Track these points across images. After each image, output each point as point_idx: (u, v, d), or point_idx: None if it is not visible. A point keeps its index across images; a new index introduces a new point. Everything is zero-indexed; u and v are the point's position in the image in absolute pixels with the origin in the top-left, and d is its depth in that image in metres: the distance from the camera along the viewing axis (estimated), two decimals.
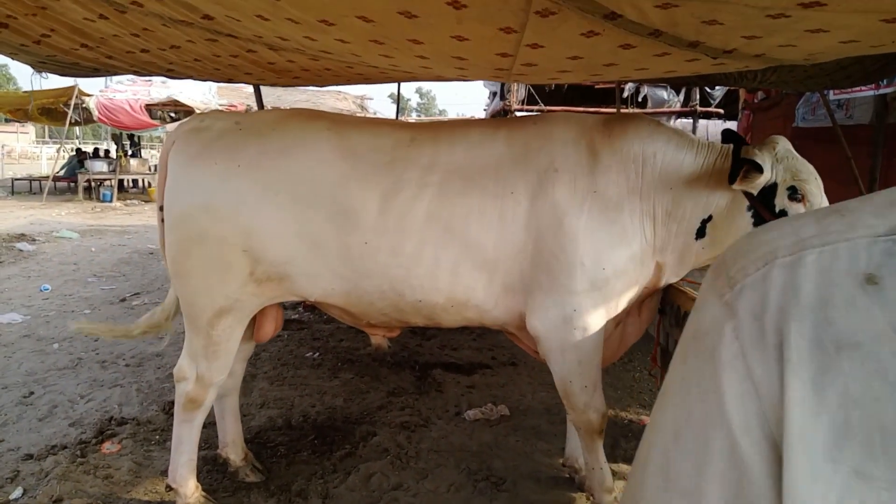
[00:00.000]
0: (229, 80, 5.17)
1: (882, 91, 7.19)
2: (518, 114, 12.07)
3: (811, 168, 2.89)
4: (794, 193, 2.83)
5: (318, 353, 5.78)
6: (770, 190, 2.87)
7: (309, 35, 2.95)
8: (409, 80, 4.22)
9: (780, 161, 2.87)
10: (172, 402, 4.46)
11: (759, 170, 2.79)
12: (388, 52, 3.13)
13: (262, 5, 2.53)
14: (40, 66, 4.73)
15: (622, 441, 4.15)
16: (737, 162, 2.88)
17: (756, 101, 11.38)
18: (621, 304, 3.09)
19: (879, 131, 7.58)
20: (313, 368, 5.40)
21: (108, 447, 3.94)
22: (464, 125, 3.43)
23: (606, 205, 2.99)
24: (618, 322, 3.29)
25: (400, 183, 3.01)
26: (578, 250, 2.94)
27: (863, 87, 7.18)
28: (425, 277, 3.01)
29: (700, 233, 3.03)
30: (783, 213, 2.85)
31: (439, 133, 3.23)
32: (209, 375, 3.20)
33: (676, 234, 3.07)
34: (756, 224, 2.92)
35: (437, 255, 2.99)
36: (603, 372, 3.28)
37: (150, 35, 3.43)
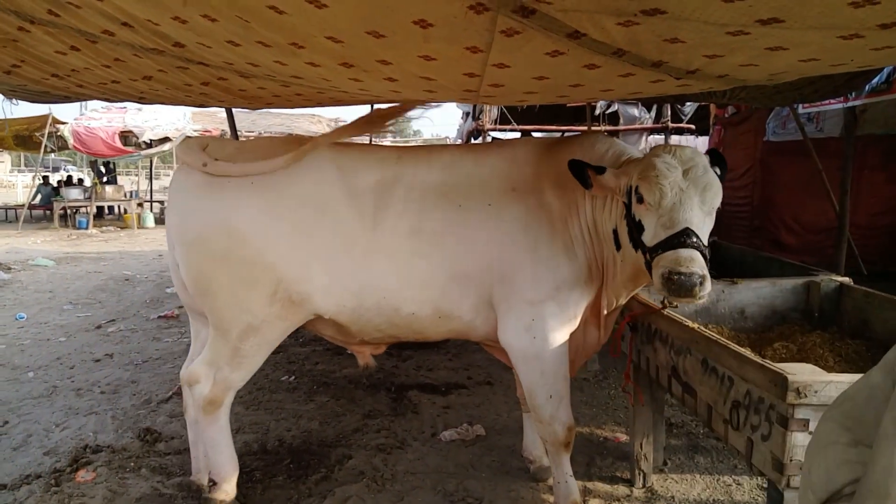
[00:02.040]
0: (202, 105, 5.18)
1: (850, 104, 7.33)
2: (491, 133, 12.15)
3: (661, 165, 2.68)
4: (637, 193, 2.77)
5: (293, 377, 5.75)
6: (629, 196, 2.87)
7: (279, 59, 2.97)
8: (380, 103, 4.25)
9: (639, 162, 2.84)
10: (147, 429, 4.49)
11: (600, 171, 2.87)
12: (357, 76, 3.16)
13: (234, 28, 2.55)
14: (10, 93, 4.72)
15: (597, 459, 4.16)
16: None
17: (727, 115, 11.56)
18: (577, 312, 3.25)
19: (849, 144, 7.73)
20: (289, 392, 5.37)
21: (83, 475, 3.87)
22: (440, 148, 3.73)
23: (554, 218, 3.21)
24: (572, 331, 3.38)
25: (390, 199, 3.21)
26: (532, 262, 3.15)
27: (832, 101, 7.32)
28: (416, 289, 3.20)
29: (617, 244, 3.09)
30: (633, 218, 2.83)
31: (419, 153, 3.47)
32: (231, 380, 3.31)
33: (605, 244, 3.17)
34: (630, 232, 2.90)
35: (423, 267, 3.19)
36: (578, 389, 3.32)
37: (121, 66, 3.43)
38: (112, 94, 4.45)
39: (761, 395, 2.26)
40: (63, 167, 36.60)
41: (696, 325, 2.83)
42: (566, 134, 11.79)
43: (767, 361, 2.25)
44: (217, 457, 3.44)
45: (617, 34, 2.19)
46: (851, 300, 3.57)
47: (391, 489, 3.77)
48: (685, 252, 2.50)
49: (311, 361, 6.21)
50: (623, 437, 4.47)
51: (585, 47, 2.34)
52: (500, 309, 3.24)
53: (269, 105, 4.85)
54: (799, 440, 2.10)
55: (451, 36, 2.36)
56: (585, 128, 10.21)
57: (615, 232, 3.06)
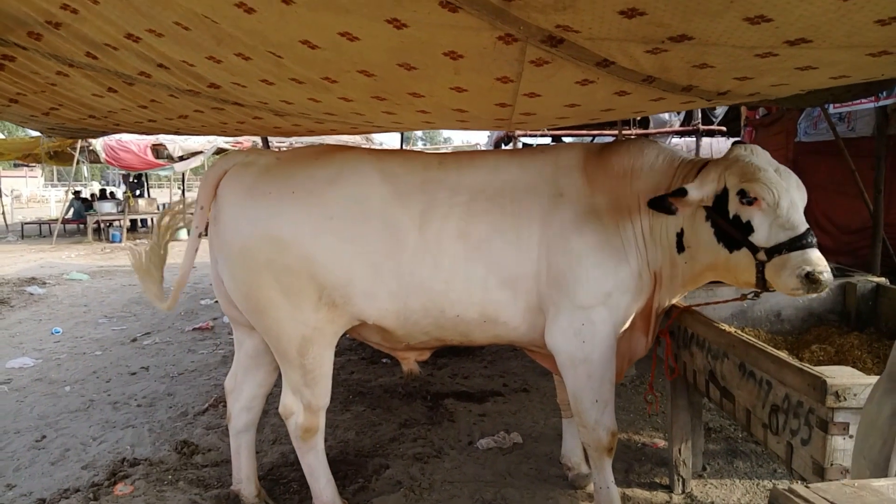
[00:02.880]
0: (236, 135, 5.30)
1: (882, 103, 7.22)
2: (522, 139, 12.13)
3: (767, 167, 2.84)
4: (744, 196, 2.83)
5: None
6: (723, 197, 2.91)
7: (313, 96, 3.02)
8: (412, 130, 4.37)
9: (731, 167, 2.90)
10: (185, 441, 4.56)
11: (683, 192, 2.89)
12: (390, 108, 3.22)
13: (267, 66, 2.60)
14: (49, 131, 4.87)
15: (636, 465, 4.15)
16: (665, 192, 2.98)
17: (758, 117, 11.42)
18: (626, 318, 3.29)
19: (881, 143, 7.61)
20: None
21: (121, 489, 3.95)
22: (482, 153, 3.79)
23: (606, 224, 3.23)
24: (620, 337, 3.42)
25: (435, 202, 3.23)
26: (583, 268, 3.16)
27: (863, 100, 7.21)
28: (462, 293, 3.22)
29: (679, 246, 3.16)
30: (737, 219, 2.87)
31: (461, 157, 3.51)
32: (316, 402, 3.38)
33: (662, 249, 3.22)
34: (717, 233, 2.96)
35: (469, 271, 3.20)
36: (615, 395, 3.34)
37: (157, 106, 3.52)
38: (148, 130, 4.57)
39: (800, 399, 2.25)
40: (94, 181, 37.24)
41: (732, 329, 2.82)
42: (597, 139, 11.79)
43: (805, 365, 2.23)
44: (315, 483, 3.51)
45: (646, 62, 2.21)
46: (888, 301, 3.53)
47: (429, 498, 3.80)
48: (816, 252, 2.68)
49: (346, 371, 6.26)
50: (661, 443, 4.45)
51: (615, 75, 2.36)
52: (549, 313, 3.25)
53: (307, 135, 4.95)
54: (839, 444, 2.08)
55: (481, 66, 2.40)
56: (616, 132, 10.15)
57: (679, 235, 3.11)
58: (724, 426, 4.71)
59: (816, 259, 2.64)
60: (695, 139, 12.52)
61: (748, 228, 2.83)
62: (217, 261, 3.36)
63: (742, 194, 2.83)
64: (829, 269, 2.65)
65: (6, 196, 32.46)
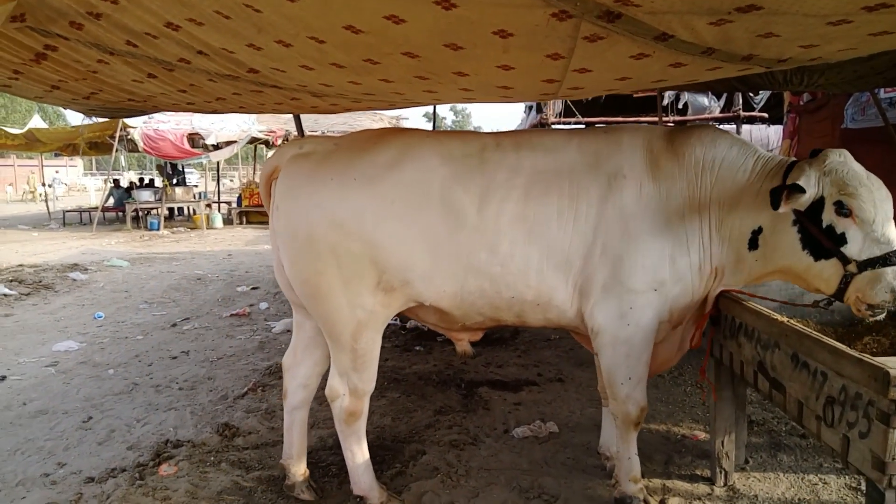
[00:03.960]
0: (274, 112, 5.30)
1: None
2: (555, 125, 12.03)
3: (864, 180, 2.79)
4: (841, 208, 2.78)
5: None
6: (817, 205, 2.85)
7: (353, 80, 2.99)
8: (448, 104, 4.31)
9: (828, 174, 2.82)
10: (226, 424, 4.61)
11: (802, 191, 2.79)
12: (432, 87, 3.18)
13: (309, 52, 2.57)
14: (89, 112, 4.92)
15: (675, 457, 4.08)
16: (782, 184, 2.88)
17: (801, 103, 11.13)
18: (676, 307, 3.26)
19: None
20: None
21: (166, 469, 4.01)
22: (540, 132, 3.73)
23: (669, 211, 3.18)
24: (674, 326, 3.40)
25: (493, 184, 3.21)
26: (640, 252, 3.13)
27: None
28: (518, 275, 3.20)
29: (752, 244, 3.09)
30: (830, 229, 2.82)
31: (519, 138, 3.44)
32: (362, 386, 3.41)
33: (731, 243, 3.16)
34: (803, 239, 2.91)
35: (526, 253, 3.19)
36: (653, 387, 3.29)
37: (196, 90, 3.53)
38: (185, 110, 4.61)
39: (859, 391, 2.17)
40: (128, 170, 37.88)
41: (785, 319, 2.74)
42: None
43: (866, 356, 2.15)
44: (356, 468, 3.54)
45: (707, 34, 2.13)
46: None
47: (466, 485, 3.78)
48: None
49: (381, 358, 6.24)
50: (701, 435, 4.37)
51: (673, 48, 2.28)
52: (593, 293, 3.21)
53: (343, 112, 4.93)
54: None
55: (531, 44, 2.33)
56: (654, 119, 9.99)
57: (755, 232, 3.04)
58: (767, 419, 4.60)
59: None
60: (734, 126, 12.31)
61: (842, 240, 2.80)
62: (279, 248, 3.38)
63: (839, 205, 2.78)
64: None
65: (61, 184, 33.19)
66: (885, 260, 2.69)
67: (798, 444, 4.22)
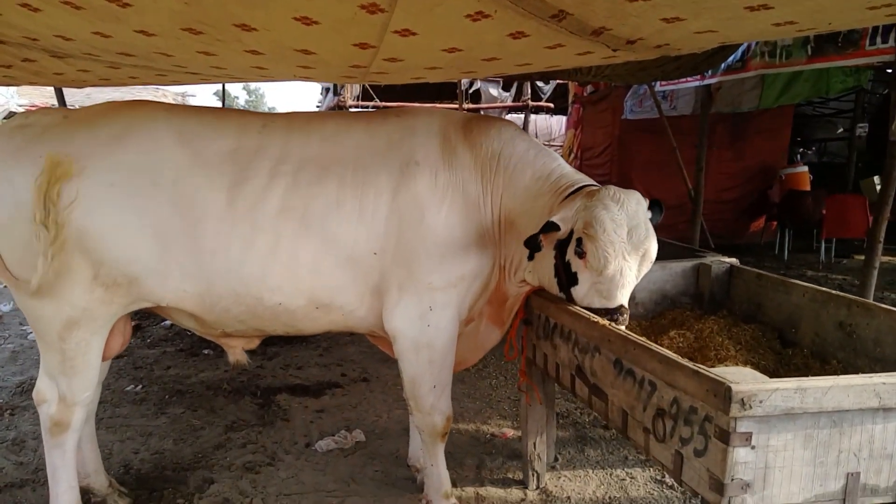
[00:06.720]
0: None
1: (707, 81, 7.55)
2: (353, 109, 11.66)
3: (611, 228, 2.59)
4: (579, 247, 2.68)
5: (140, 386, 5.05)
6: (569, 237, 2.75)
7: (98, 30, 2.32)
8: (239, 82, 3.67)
9: (586, 209, 2.67)
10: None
11: (556, 228, 2.71)
12: (209, 48, 2.57)
13: None
14: None
15: (487, 460, 3.90)
16: (543, 225, 2.74)
17: (586, 94, 11.71)
18: (473, 302, 3.15)
19: (704, 121, 8.01)
20: (136, 404, 4.70)
21: None
22: (320, 115, 3.39)
23: (466, 201, 3.00)
24: (468, 322, 3.28)
25: (249, 171, 2.83)
26: (439, 246, 2.92)
27: (688, 79, 7.49)
28: (285, 277, 2.85)
29: (531, 255, 3.00)
30: (568, 265, 2.77)
31: (293, 120, 3.09)
32: (71, 394, 2.92)
33: (517, 243, 3.03)
34: (556, 266, 2.84)
35: (294, 251, 2.83)
36: (459, 381, 3.11)
37: None
38: None
39: (693, 405, 2.01)
40: None
41: (606, 323, 2.57)
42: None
43: (701, 367, 1.99)
44: (56, 486, 2.96)
45: None
46: (742, 282, 3.49)
47: None
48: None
49: (161, 366, 5.51)
50: (510, 433, 4.24)
51: (519, 6, 1.94)
52: (390, 293, 2.96)
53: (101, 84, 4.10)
54: (741, 456, 1.86)
55: None
56: (453, 106, 9.96)
57: (535, 238, 2.76)
58: (571, 410, 4.59)
59: None
60: (523, 115, 12.70)
61: (573, 279, 2.76)
62: None
63: (578, 243, 2.67)
64: None
65: None
66: (598, 313, 2.67)
67: (602, 435, 4.23)
